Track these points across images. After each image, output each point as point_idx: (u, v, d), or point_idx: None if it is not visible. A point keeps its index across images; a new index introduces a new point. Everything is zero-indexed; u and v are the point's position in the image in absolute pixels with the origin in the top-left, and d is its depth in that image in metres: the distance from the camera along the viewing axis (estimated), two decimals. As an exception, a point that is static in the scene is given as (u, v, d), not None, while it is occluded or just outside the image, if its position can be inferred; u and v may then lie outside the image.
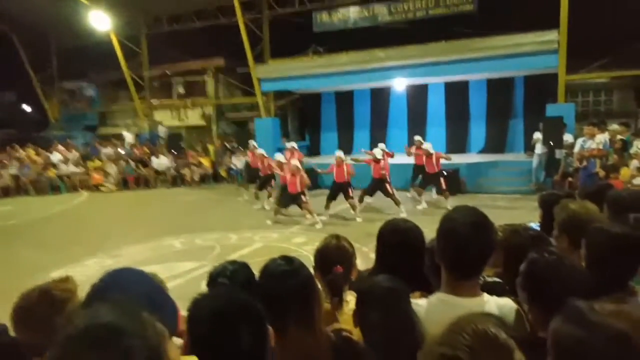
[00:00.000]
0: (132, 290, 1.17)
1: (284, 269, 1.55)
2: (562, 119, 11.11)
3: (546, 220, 2.86)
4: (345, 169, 9.60)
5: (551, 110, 11.89)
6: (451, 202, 9.31)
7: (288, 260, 1.60)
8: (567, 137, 10.99)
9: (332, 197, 9.74)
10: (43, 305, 1.47)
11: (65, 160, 15.69)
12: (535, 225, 2.84)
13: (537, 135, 11.52)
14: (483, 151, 14.99)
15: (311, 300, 1.52)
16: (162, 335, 0.84)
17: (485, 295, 1.67)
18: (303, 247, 7.37)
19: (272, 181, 11.15)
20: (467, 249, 1.59)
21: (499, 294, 1.93)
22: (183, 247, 8.03)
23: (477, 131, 15.40)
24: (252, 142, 12.69)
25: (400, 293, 1.55)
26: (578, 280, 1.54)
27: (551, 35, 11.78)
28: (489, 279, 2.16)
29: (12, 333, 1.67)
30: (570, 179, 10.04)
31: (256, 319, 1.19)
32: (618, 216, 2.35)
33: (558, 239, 2.41)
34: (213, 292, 1.44)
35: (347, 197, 9.59)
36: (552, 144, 10.91)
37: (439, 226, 1.71)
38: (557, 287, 1.52)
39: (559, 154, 10.93)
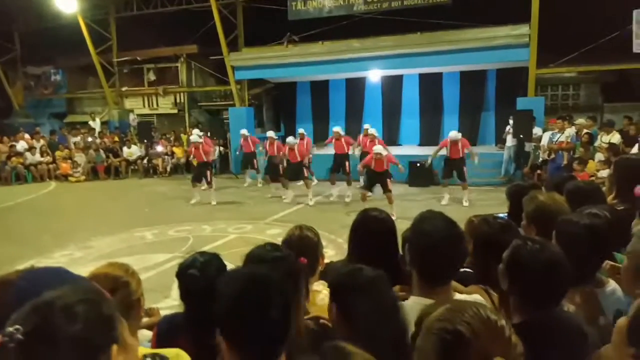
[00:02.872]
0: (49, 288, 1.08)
1: (276, 255, 1.61)
2: (532, 113, 11.37)
3: (514, 211, 2.94)
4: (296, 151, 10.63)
5: (521, 103, 12.15)
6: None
7: (275, 246, 1.68)
8: (537, 130, 11.26)
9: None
10: (5, 296, 1.42)
11: (32, 149, 15.14)
12: (503, 215, 2.91)
13: (508, 128, 11.77)
14: (456, 143, 15.20)
15: (300, 283, 1.60)
16: (114, 312, 0.91)
17: (457, 297, 1.71)
18: (277, 238, 7.25)
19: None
20: (442, 262, 1.63)
21: (470, 283, 1.98)
22: (155, 238, 7.90)
23: (450, 123, 15.58)
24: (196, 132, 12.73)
25: (384, 280, 1.54)
26: (559, 270, 1.57)
27: (523, 29, 12.00)
28: (461, 270, 2.21)
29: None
30: (539, 171, 10.32)
31: (282, 292, 1.22)
32: (576, 207, 2.43)
33: (526, 229, 2.47)
34: (236, 271, 1.49)
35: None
36: (522, 136, 11.16)
37: (411, 237, 1.74)
38: (538, 275, 1.54)
39: (529, 146, 11.21)
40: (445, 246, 1.61)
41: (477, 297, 1.75)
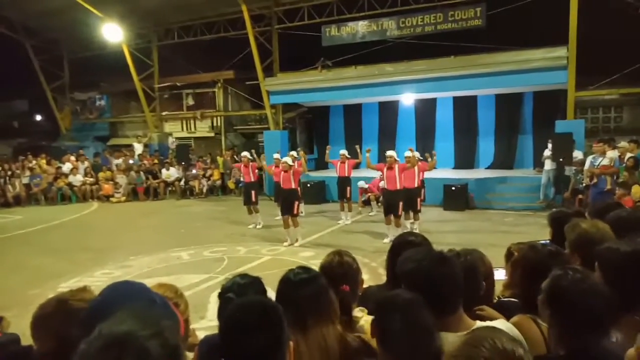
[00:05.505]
0: (131, 304, 1.15)
1: (303, 277, 1.72)
2: (572, 135, 11.09)
3: (557, 239, 2.85)
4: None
5: (560, 126, 11.88)
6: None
7: (305, 269, 1.79)
8: (577, 154, 10.96)
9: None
10: (59, 315, 1.47)
11: (76, 171, 15.84)
12: (545, 243, 2.83)
13: (547, 152, 11.50)
14: (491, 167, 14.97)
15: (327, 303, 1.70)
16: (178, 341, 0.89)
17: (478, 324, 1.68)
18: (310, 261, 7.32)
19: None
20: (436, 287, 1.64)
21: (514, 313, 1.93)
22: (191, 259, 8.05)
23: (486, 146, 15.40)
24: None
25: (420, 303, 1.56)
26: (601, 299, 1.53)
27: (560, 52, 11.82)
28: (504, 299, 2.16)
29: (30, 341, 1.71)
30: (580, 196, 9.99)
31: (273, 323, 1.33)
32: (621, 236, 2.34)
33: (570, 258, 2.40)
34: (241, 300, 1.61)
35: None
36: (561, 160, 10.87)
37: (401, 268, 1.77)
38: (580, 305, 1.51)
39: (569, 170, 10.90)
40: (436, 270, 1.66)
41: (504, 325, 1.71)
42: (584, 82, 12.06)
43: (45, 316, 1.50)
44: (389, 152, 8.86)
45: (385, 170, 8.71)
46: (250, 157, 10.85)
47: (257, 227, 10.44)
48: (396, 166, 8.61)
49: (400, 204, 8.56)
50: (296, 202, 8.85)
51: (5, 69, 19.74)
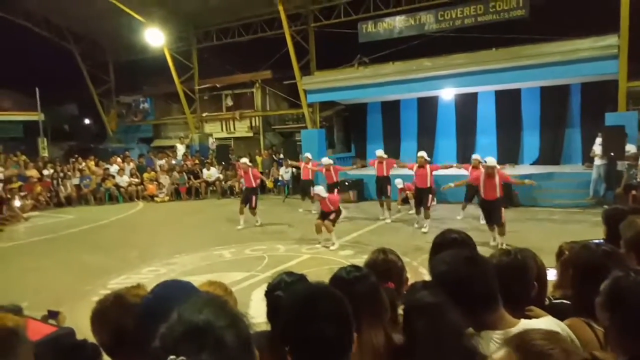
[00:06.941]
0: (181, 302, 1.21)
1: (356, 274, 1.70)
2: (624, 129, 10.53)
3: (612, 238, 2.73)
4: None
5: (611, 119, 11.30)
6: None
7: (356, 267, 1.77)
8: (630, 148, 10.42)
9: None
10: (116, 309, 1.57)
11: (122, 172, 16.46)
12: (598, 242, 2.70)
13: (597, 146, 10.97)
14: (537, 162, 14.45)
15: (381, 302, 1.66)
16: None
17: (523, 323, 1.62)
18: (350, 259, 7.32)
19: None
20: (467, 287, 1.59)
21: (567, 315, 1.85)
22: (233, 257, 8.19)
23: (531, 141, 14.86)
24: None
25: (445, 307, 1.54)
26: None
27: (611, 40, 11.26)
28: (556, 301, 2.07)
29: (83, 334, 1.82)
30: (634, 192, 9.49)
31: (343, 312, 1.28)
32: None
33: (626, 258, 2.28)
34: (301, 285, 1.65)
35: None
36: (612, 154, 10.35)
37: (433, 270, 1.75)
38: None
39: (621, 165, 10.37)
40: (465, 269, 1.61)
41: (548, 324, 1.64)
42: (637, 71, 11.43)
43: (104, 310, 1.60)
44: (490, 159, 8.11)
45: (483, 179, 7.96)
46: (250, 164, 11.31)
47: (239, 228, 10.61)
48: (497, 175, 7.90)
49: (501, 209, 7.94)
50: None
51: (57, 75, 20.81)
